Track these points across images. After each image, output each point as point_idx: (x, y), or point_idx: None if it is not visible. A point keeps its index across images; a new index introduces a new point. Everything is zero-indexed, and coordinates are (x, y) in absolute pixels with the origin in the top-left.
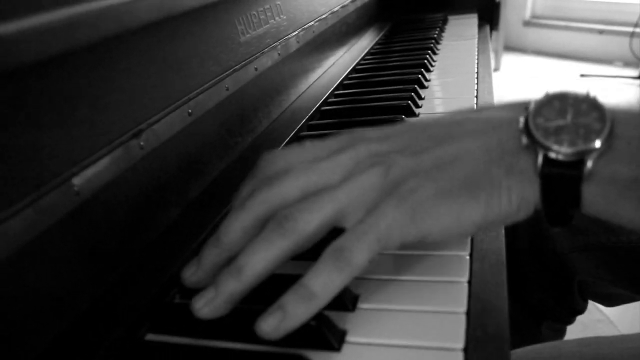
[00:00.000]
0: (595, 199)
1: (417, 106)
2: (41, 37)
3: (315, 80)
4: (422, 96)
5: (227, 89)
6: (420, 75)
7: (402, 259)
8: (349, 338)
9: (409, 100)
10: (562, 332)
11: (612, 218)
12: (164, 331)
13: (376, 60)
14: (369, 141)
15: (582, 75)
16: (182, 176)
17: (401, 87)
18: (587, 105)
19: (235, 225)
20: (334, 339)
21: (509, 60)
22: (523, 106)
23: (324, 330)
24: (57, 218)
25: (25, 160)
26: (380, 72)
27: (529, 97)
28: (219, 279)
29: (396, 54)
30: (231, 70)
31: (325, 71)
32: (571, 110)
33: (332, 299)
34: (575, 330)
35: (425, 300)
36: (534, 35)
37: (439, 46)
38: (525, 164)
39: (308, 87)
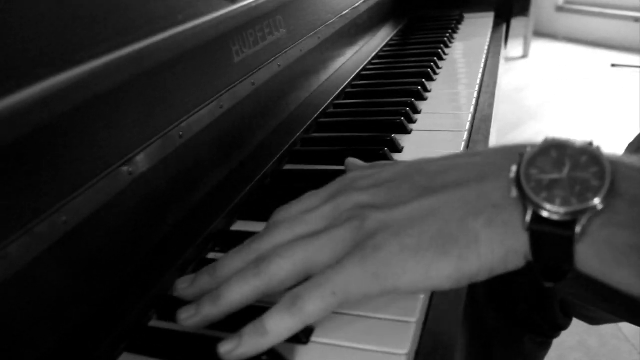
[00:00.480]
0: (590, 261)
1: (411, 121)
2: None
3: (318, 87)
4: (419, 109)
5: (222, 107)
6: (420, 87)
7: None
8: None
9: (402, 117)
10: (547, 346)
11: (608, 281)
12: (141, 351)
13: (382, 66)
14: (354, 191)
15: (613, 65)
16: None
17: (399, 100)
18: (587, 157)
19: (230, 264)
20: None
21: (539, 47)
22: (518, 152)
23: None
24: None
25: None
26: (383, 79)
27: (528, 139)
28: (201, 301)
29: (403, 58)
30: (225, 90)
31: (329, 77)
32: (569, 163)
33: (285, 338)
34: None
35: (374, 340)
36: (566, 22)
37: (447, 50)
38: (511, 216)
39: (309, 95)
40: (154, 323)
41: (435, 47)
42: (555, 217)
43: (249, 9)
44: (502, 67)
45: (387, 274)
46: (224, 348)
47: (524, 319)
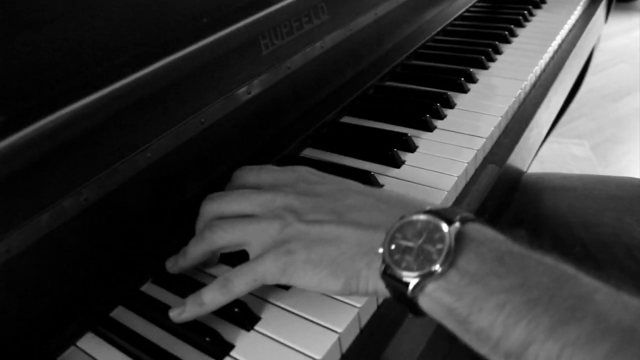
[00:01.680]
0: (430, 311)
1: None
2: None
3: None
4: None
5: (249, 93)
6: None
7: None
8: (234, 354)
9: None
10: None
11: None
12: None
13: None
14: (293, 193)
15: None
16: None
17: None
18: (439, 235)
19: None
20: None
21: None
22: (401, 214)
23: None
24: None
25: None
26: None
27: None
28: (177, 255)
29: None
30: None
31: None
32: (424, 235)
33: (216, 308)
34: None
35: (302, 340)
36: None
37: (527, 23)
38: (377, 265)
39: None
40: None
41: (504, 26)
42: (398, 276)
43: None
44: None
45: (292, 273)
46: (173, 313)
47: None
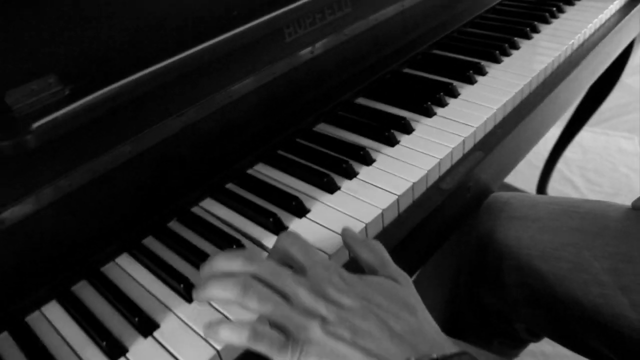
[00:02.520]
0: None
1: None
2: None
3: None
4: (457, 94)
5: (274, 73)
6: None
7: None
8: None
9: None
10: (517, 349)
11: None
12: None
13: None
14: (322, 298)
15: None
16: None
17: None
18: None
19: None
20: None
21: None
22: (410, 355)
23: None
24: None
25: None
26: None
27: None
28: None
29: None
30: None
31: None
32: None
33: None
34: None
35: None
36: None
37: (553, 20)
38: None
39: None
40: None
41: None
42: None
43: None
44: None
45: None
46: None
47: (494, 325)
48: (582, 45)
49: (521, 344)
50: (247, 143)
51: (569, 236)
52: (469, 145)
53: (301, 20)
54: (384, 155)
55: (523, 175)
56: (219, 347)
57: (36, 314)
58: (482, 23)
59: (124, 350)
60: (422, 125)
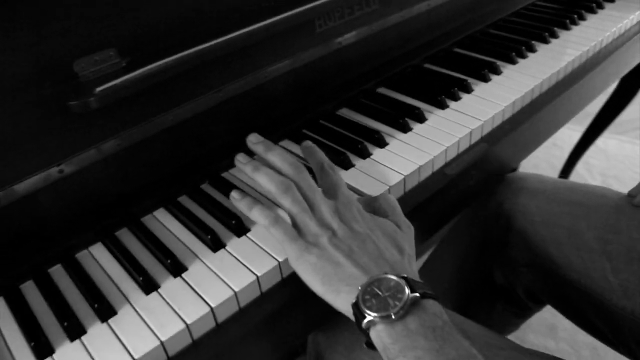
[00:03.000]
0: (374, 341)
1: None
2: None
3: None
4: (470, 90)
5: (303, 60)
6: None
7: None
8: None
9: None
10: (521, 318)
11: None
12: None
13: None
14: (341, 220)
15: None
16: None
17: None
18: (401, 296)
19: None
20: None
21: None
22: (388, 270)
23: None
24: None
25: None
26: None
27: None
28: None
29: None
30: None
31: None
32: (392, 292)
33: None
34: None
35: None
36: None
37: (573, 26)
38: (352, 296)
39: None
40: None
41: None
42: (361, 310)
43: None
44: None
45: (299, 265)
46: (235, 194)
47: (498, 290)
48: (598, 52)
49: (523, 313)
50: (276, 120)
51: (569, 207)
52: (475, 137)
53: (331, 13)
54: (397, 140)
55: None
56: (236, 289)
57: (84, 252)
58: (504, 25)
59: (156, 286)
60: (435, 116)
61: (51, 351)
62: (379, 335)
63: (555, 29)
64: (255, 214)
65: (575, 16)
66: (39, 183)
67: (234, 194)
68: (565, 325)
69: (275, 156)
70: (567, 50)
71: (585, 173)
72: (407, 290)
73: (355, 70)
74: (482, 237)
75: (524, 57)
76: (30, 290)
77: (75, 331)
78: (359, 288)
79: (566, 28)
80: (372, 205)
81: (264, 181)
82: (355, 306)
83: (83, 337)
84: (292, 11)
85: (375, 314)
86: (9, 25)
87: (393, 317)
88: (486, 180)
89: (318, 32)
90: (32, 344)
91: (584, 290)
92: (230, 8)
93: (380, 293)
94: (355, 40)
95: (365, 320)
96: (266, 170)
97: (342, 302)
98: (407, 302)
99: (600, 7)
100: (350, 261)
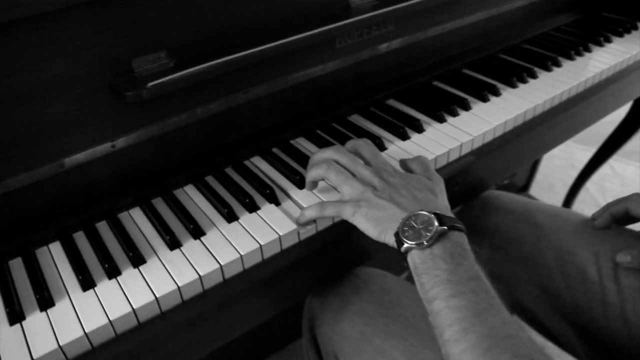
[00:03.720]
0: (409, 263)
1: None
2: None
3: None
4: (469, 108)
5: (323, 70)
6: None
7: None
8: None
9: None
10: None
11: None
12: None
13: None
14: (379, 178)
15: None
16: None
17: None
18: (432, 228)
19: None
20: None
21: None
22: (422, 208)
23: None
24: None
25: None
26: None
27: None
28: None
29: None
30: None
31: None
32: (425, 225)
33: (314, 217)
34: None
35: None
36: None
37: (578, 57)
38: (395, 229)
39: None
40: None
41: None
42: (401, 239)
43: None
44: None
45: (355, 219)
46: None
47: None
48: (596, 84)
49: None
50: (294, 119)
51: (533, 228)
52: (465, 150)
53: (350, 33)
54: (395, 146)
55: (557, 196)
56: (242, 253)
57: (125, 213)
58: (513, 51)
59: (179, 245)
60: (433, 128)
61: (93, 284)
62: (412, 257)
63: (560, 58)
64: (309, 215)
65: (581, 48)
66: (96, 154)
67: (299, 220)
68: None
69: (316, 154)
70: (566, 79)
71: (599, 196)
72: (436, 224)
73: (369, 82)
74: None
75: (524, 82)
76: (80, 239)
77: (113, 272)
78: (400, 222)
79: (570, 58)
80: (408, 166)
81: (314, 173)
82: (396, 236)
83: (118, 277)
84: (316, 30)
85: (411, 242)
86: (94, 26)
87: (425, 244)
88: (472, 189)
89: (338, 47)
90: (80, 277)
91: (543, 304)
92: (263, 23)
93: (415, 225)
94: (371, 57)
95: (404, 247)
96: (312, 164)
97: (389, 237)
98: (435, 233)
99: (608, 40)
100: (393, 203)
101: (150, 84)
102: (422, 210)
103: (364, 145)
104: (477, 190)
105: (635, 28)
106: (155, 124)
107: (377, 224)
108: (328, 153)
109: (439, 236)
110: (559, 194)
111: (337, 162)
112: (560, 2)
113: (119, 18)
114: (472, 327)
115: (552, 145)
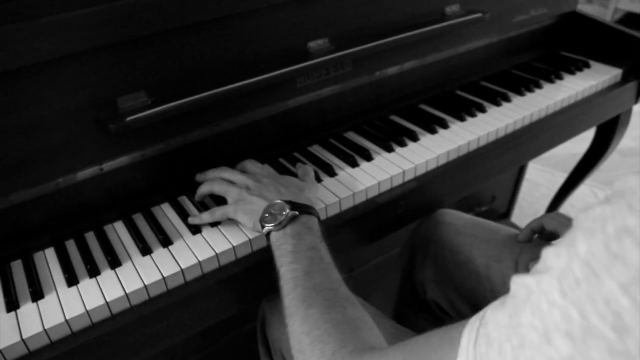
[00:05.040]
0: (271, 242)
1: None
2: None
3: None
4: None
5: (287, 106)
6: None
7: None
8: None
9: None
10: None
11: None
12: None
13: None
14: (251, 179)
15: None
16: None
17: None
18: (284, 213)
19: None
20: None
21: None
22: (280, 198)
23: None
24: None
25: None
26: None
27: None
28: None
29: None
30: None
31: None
32: (279, 210)
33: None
34: None
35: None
36: None
37: (528, 93)
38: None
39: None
40: None
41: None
42: (263, 224)
43: None
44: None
45: (237, 216)
46: (191, 219)
47: (421, 302)
48: (542, 118)
49: (439, 324)
50: (259, 149)
51: (470, 239)
52: (408, 176)
53: (309, 73)
54: (344, 172)
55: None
56: (200, 259)
57: (109, 225)
58: (469, 87)
59: (150, 251)
60: (381, 157)
61: (77, 282)
62: (271, 237)
63: (510, 93)
64: (204, 218)
65: (532, 84)
66: (86, 175)
67: (191, 220)
68: None
69: (206, 174)
70: (512, 114)
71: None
72: (287, 209)
73: (330, 116)
74: (410, 258)
75: (473, 116)
76: (71, 245)
77: (93, 272)
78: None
79: (520, 94)
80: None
81: (203, 189)
82: (260, 222)
83: (98, 277)
84: (278, 71)
85: (269, 225)
86: (84, 71)
87: (279, 225)
88: (417, 211)
89: (299, 86)
90: (66, 275)
91: (472, 305)
92: (231, 66)
93: (273, 212)
94: (331, 94)
95: (264, 229)
96: (202, 184)
97: (258, 225)
98: (286, 217)
99: (559, 77)
100: (261, 198)
101: (129, 118)
102: (279, 200)
103: (247, 162)
104: (421, 212)
105: (588, 66)
106: (136, 151)
107: (250, 216)
108: (210, 174)
109: (291, 219)
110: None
111: (222, 178)
112: (519, 42)
113: (105, 64)
114: (301, 283)
115: (500, 172)
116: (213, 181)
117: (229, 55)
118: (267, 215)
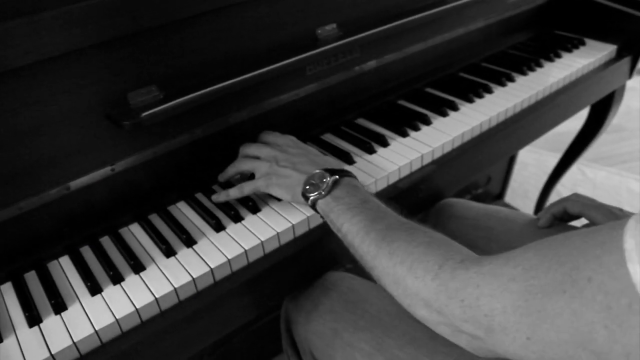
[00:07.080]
0: (319, 211)
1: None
2: None
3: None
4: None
5: (297, 95)
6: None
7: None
8: None
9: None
10: None
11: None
12: None
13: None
14: (278, 151)
15: None
16: None
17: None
18: (325, 180)
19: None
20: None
21: None
22: (317, 168)
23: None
24: None
25: None
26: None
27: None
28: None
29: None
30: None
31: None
32: (319, 179)
33: (236, 198)
34: None
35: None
36: None
37: (530, 72)
38: (302, 189)
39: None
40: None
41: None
42: (307, 195)
43: None
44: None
45: (270, 189)
46: (216, 196)
47: None
48: (547, 96)
49: None
50: None
51: (485, 231)
52: (427, 160)
53: (319, 61)
54: (361, 159)
55: (532, 202)
56: (229, 257)
57: (125, 228)
58: (472, 69)
59: (174, 253)
60: (397, 142)
61: (100, 290)
62: (319, 206)
63: (514, 74)
64: (232, 194)
65: (533, 63)
66: (97, 177)
67: (215, 197)
68: None
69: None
70: (518, 93)
71: None
72: (327, 176)
73: (339, 104)
74: None
75: (480, 97)
76: (86, 252)
77: (116, 279)
78: (302, 184)
79: (523, 73)
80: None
81: (230, 171)
82: (303, 195)
83: (122, 283)
84: (289, 60)
85: (314, 194)
86: (93, 66)
87: (323, 193)
88: (436, 195)
89: (308, 74)
90: (88, 284)
91: None
92: (241, 57)
93: (314, 182)
94: (340, 81)
95: (310, 200)
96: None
97: (300, 198)
98: (329, 182)
99: (558, 56)
100: (295, 171)
101: (145, 113)
102: (316, 170)
103: (266, 133)
104: (439, 196)
105: (583, 44)
106: (149, 149)
107: (287, 190)
108: (239, 153)
109: (334, 183)
110: (533, 200)
111: (247, 155)
112: (515, 23)
113: (115, 59)
114: (372, 228)
115: (509, 152)
116: (238, 161)
117: (239, 47)
118: (308, 187)
